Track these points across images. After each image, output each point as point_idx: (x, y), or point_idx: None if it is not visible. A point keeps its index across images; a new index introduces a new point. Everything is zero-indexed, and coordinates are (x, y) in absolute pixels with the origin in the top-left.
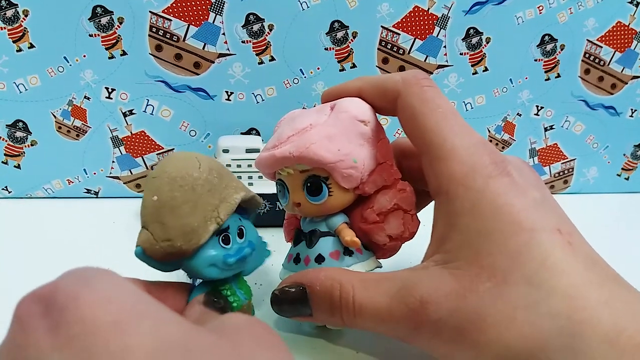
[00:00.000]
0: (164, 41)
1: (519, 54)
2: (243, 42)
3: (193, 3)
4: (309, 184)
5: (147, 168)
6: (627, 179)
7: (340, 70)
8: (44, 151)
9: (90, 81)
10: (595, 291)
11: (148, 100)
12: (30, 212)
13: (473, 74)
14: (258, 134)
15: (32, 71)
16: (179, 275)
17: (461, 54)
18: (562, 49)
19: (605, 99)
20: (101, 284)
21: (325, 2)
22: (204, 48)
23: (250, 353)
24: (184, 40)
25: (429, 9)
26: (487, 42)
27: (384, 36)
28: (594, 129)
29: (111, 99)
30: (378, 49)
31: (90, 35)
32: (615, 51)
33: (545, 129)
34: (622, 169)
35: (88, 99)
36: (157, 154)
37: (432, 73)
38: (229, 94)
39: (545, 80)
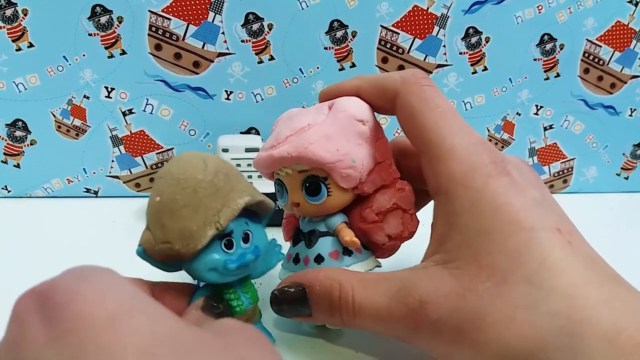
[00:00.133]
0: (163, 40)
1: (519, 54)
2: (242, 41)
3: (192, 2)
4: (307, 184)
5: (146, 167)
6: (626, 178)
7: (339, 70)
8: (44, 150)
9: (90, 80)
10: (594, 290)
11: (147, 99)
12: (30, 211)
13: (472, 73)
14: (257, 133)
15: (31, 70)
16: (182, 276)
17: (460, 53)
18: (561, 49)
19: (604, 98)
20: (99, 282)
21: (324, 2)
22: (203, 47)
23: (240, 352)
24: (183, 39)
25: (428, 8)
26: (487, 42)
27: (384, 35)
28: (593, 129)
29: (111, 98)
30: (377, 48)
31: (90, 35)
32: (614, 51)
33: (545, 129)
34: (622, 168)
35: (87, 98)
36: (157, 153)
37: (431, 72)
38: (229, 93)
39: (545, 79)
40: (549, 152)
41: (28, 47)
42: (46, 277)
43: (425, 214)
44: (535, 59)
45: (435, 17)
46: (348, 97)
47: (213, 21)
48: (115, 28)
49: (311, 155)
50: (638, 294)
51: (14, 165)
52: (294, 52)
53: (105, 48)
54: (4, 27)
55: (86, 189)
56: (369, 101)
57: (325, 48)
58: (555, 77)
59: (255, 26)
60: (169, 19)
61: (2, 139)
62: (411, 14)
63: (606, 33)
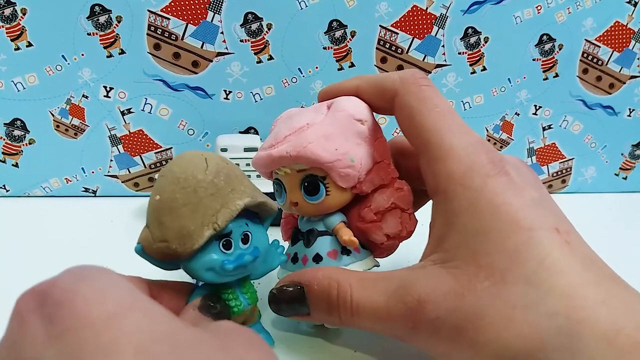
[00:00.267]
0: (162, 40)
1: (517, 54)
2: (241, 41)
3: (191, 2)
4: (306, 184)
5: (145, 167)
6: (624, 178)
7: (338, 70)
8: (42, 150)
9: (89, 80)
10: (593, 290)
11: (146, 99)
12: (28, 210)
13: (471, 73)
14: (256, 132)
15: (30, 70)
16: (181, 275)
17: (459, 53)
18: (560, 49)
19: (603, 98)
20: (98, 282)
21: (323, 1)
22: (202, 47)
23: (238, 352)
24: (182, 39)
25: (427, 8)
26: (486, 42)
27: (383, 35)
28: (592, 129)
29: (109, 97)
30: (376, 48)
31: (89, 34)
32: (613, 51)
33: (544, 129)
34: (620, 168)
35: (86, 97)
36: (155, 153)
37: (430, 72)
38: (228, 92)
39: (544, 79)
40: (547, 152)
41: (27, 46)
42: (45, 276)
43: (424, 214)
44: (534, 59)
45: (434, 17)
46: (347, 97)
47: (212, 21)
48: (114, 27)
49: (310, 154)
50: (636, 293)
51: (13, 165)
52: (293, 51)
53: (104, 47)
54: (2, 27)
55: (85, 188)
56: (367, 101)
57: (324, 48)
58: (554, 77)
59: (254, 26)
60: (168, 19)
61: (1, 138)
62: (410, 14)
63: (605, 33)
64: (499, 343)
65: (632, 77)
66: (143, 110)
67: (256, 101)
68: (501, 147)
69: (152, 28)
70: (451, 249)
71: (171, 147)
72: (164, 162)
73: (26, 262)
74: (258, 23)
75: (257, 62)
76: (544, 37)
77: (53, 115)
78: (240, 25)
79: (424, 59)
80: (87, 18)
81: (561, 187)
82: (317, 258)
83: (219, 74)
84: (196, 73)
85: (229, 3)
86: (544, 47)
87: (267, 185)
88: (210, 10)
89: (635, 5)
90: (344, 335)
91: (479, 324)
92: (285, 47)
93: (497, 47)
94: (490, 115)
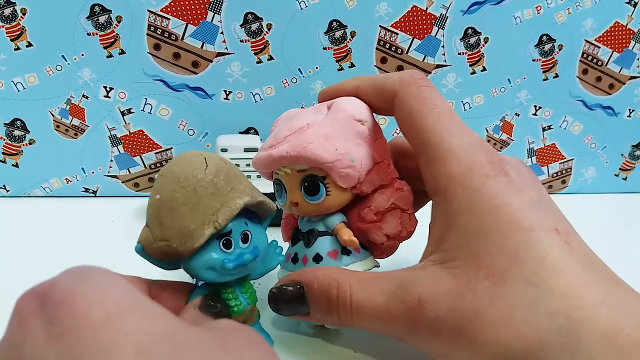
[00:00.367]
0: (162, 40)
1: (517, 54)
2: (241, 41)
3: (191, 2)
4: (306, 184)
5: (145, 167)
6: (624, 179)
7: (338, 70)
8: (42, 150)
9: (89, 80)
10: (592, 290)
11: (146, 99)
12: (28, 211)
13: (471, 73)
14: (256, 133)
15: (30, 70)
16: (181, 275)
17: (459, 53)
18: (560, 49)
19: (603, 99)
20: (97, 282)
21: (323, 2)
22: (202, 47)
23: (239, 351)
24: (182, 39)
25: (427, 8)
26: (486, 42)
27: (382, 36)
28: (591, 129)
29: (109, 97)
30: (376, 48)
31: (89, 34)
32: (613, 51)
33: (544, 129)
34: (620, 169)
35: (86, 97)
36: (156, 153)
37: (430, 73)
38: (227, 93)
39: (544, 80)
40: (547, 153)
41: (27, 46)
42: (45, 276)
43: (424, 214)
44: (534, 60)
45: (434, 17)
46: (347, 97)
47: (212, 21)
48: (114, 27)
49: (310, 154)
50: (635, 293)
51: (13, 165)
52: (293, 52)
53: (104, 47)
54: (2, 27)
55: (85, 188)
56: (367, 102)
57: (324, 48)
58: (554, 77)
59: (254, 26)
60: (168, 19)
61: (1, 138)
62: (410, 14)
63: (605, 34)
64: (499, 343)
65: (632, 77)
66: (143, 110)
67: (256, 101)
68: (501, 147)
69: (152, 28)
70: (451, 249)
71: (171, 148)
72: (164, 163)
73: (26, 263)
74: (258, 23)
75: (257, 63)
76: (544, 38)
77: (53, 115)
78: (240, 26)
79: (423, 60)
80: (87, 18)
81: (561, 187)
82: (317, 258)
83: (219, 74)
84: (196, 73)
85: (228, 3)
86: (543, 47)
87: (267, 186)
88: (210, 11)
89: (635, 5)
90: (344, 336)
91: (479, 324)
92: (285, 47)
93: (497, 47)
94: (490, 116)
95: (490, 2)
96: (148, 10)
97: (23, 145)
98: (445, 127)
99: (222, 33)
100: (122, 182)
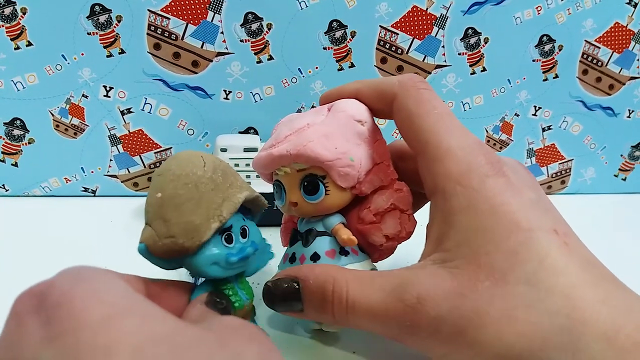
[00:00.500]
0: (162, 40)
1: (517, 55)
2: (241, 41)
3: (192, 2)
4: (305, 183)
5: (144, 167)
6: (624, 179)
7: (338, 70)
8: (42, 149)
9: (88, 79)
10: (592, 291)
11: (146, 98)
12: (28, 210)
13: (471, 74)
14: (256, 133)
15: (30, 69)
16: (180, 274)
17: (459, 54)
18: (560, 50)
19: (602, 99)
20: (95, 283)
21: (324, 2)
22: (202, 47)
23: (236, 347)
24: (182, 39)
25: (427, 8)
26: (486, 42)
27: (383, 36)
28: (591, 130)
29: (109, 97)
30: (376, 48)
31: (89, 34)
32: (613, 52)
33: (543, 130)
34: (619, 169)
35: (86, 97)
36: (155, 153)
37: (430, 73)
38: (227, 92)
39: (543, 80)
40: (547, 153)
41: (27, 45)
42: (44, 276)
43: (423, 215)
44: (534, 60)
45: (434, 17)
46: (347, 99)
47: (212, 21)
48: (114, 27)
49: (310, 152)
50: (634, 294)
51: (12, 164)
52: (293, 52)
53: (104, 47)
54: (2, 26)
55: (84, 188)
56: (367, 104)
57: (324, 48)
58: (554, 78)
59: (254, 26)
60: (168, 19)
61: (0, 137)
62: (410, 14)
63: (605, 34)
64: (501, 342)
65: (632, 78)
66: (143, 110)
67: (256, 101)
68: (501, 147)
69: (152, 28)
70: (451, 248)
71: (171, 147)
72: (163, 162)
73: (26, 262)
74: (258, 23)
75: (257, 62)
76: (544, 38)
77: (53, 114)
78: (241, 25)
79: (424, 60)
80: (87, 17)
81: (560, 188)
82: (315, 257)
83: (219, 74)
84: (196, 73)
85: (229, 3)
86: (543, 48)
87: (266, 185)
88: (211, 10)
89: (635, 6)
90: (342, 339)
91: (480, 324)
92: (285, 47)
93: (497, 47)
94: (489, 116)
95: (490, 2)
96: (148, 10)
97: (22, 144)
98: (443, 128)
99: (222, 33)
100: (122, 182)
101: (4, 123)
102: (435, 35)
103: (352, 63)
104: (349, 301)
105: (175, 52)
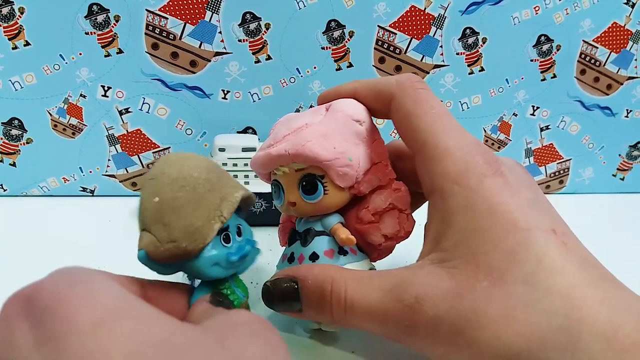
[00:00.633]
0: (160, 39)
1: (515, 54)
2: (239, 40)
3: (190, 1)
4: (304, 183)
5: (142, 166)
6: (622, 179)
7: (336, 70)
8: (40, 149)
9: (86, 79)
10: (591, 290)
11: (144, 98)
12: (26, 210)
13: (469, 73)
14: (254, 132)
15: (27, 69)
16: (177, 275)
17: (457, 53)
18: (558, 50)
19: (600, 99)
20: (87, 285)
21: (322, 2)
22: (200, 47)
23: (237, 346)
24: (180, 38)
25: (425, 8)
26: (484, 42)
27: (381, 36)
28: (589, 130)
29: (107, 97)
30: (374, 48)
31: (87, 33)
32: (610, 52)
33: (541, 129)
34: (618, 169)
35: (84, 97)
36: (153, 152)
37: (428, 73)
38: (225, 92)
39: (541, 80)
40: (545, 153)
41: (24, 45)
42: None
43: (422, 215)
44: (532, 60)
45: (432, 17)
46: (345, 99)
47: (210, 20)
48: (112, 27)
49: (308, 152)
50: (633, 294)
51: (10, 164)
52: (291, 51)
53: (102, 47)
54: (0, 25)
55: (82, 187)
56: (366, 104)
57: (323, 48)
58: (552, 78)
59: (252, 26)
60: (166, 18)
61: None
62: (408, 14)
63: (602, 34)
64: (499, 342)
65: (630, 78)
66: (141, 109)
67: (254, 101)
68: (499, 147)
69: (150, 27)
70: (449, 248)
71: (169, 147)
72: (153, 166)
73: (24, 262)
74: (256, 23)
75: (255, 62)
76: (542, 38)
77: (51, 114)
78: (239, 25)
79: (422, 60)
80: (85, 17)
81: (559, 187)
82: (314, 257)
83: (217, 74)
84: (194, 73)
85: (227, 3)
86: (541, 47)
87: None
88: (209, 10)
89: (632, 6)
90: (341, 339)
91: (478, 323)
92: (283, 47)
93: (495, 47)
94: (488, 116)
95: (488, 2)
96: (146, 10)
97: (20, 144)
98: (441, 128)
99: (220, 32)
100: (120, 182)
101: (2, 123)
102: (434, 35)
103: (350, 63)
104: (348, 301)
105: (174, 52)
